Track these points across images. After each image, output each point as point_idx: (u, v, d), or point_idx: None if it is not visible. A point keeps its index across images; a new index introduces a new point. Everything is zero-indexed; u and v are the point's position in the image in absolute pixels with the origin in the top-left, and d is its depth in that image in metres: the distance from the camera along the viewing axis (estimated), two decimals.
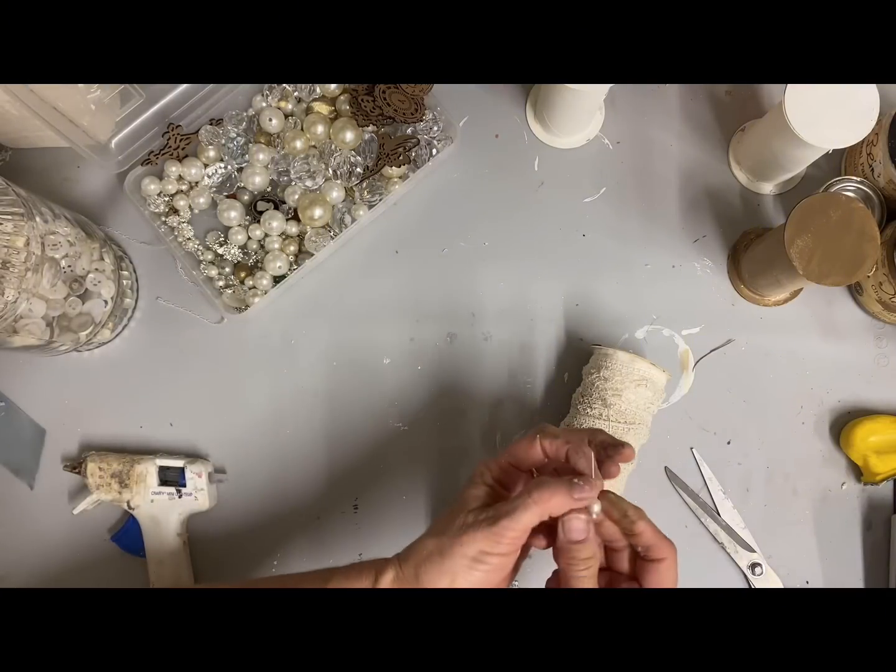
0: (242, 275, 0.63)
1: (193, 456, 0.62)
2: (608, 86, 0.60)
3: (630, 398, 0.57)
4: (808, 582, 0.62)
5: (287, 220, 0.63)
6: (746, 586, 0.62)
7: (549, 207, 0.66)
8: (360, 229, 0.64)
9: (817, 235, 0.54)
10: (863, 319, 0.65)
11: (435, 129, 0.64)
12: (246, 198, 0.64)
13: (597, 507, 0.39)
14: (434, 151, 0.64)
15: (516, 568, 0.42)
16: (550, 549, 0.41)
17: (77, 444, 0.62)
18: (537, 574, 0.45)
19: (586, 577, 0.38)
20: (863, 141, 0.59)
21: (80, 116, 0.56)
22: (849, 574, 0.62)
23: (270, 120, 0.63)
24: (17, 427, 0.62)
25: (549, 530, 0.41)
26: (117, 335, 0.63)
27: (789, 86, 0.55)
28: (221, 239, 0.63)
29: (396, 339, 0.64)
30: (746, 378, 0.64)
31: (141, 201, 0.63)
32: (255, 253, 0.63)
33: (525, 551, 0.42)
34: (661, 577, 0.39)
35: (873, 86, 0.55)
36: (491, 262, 0.65)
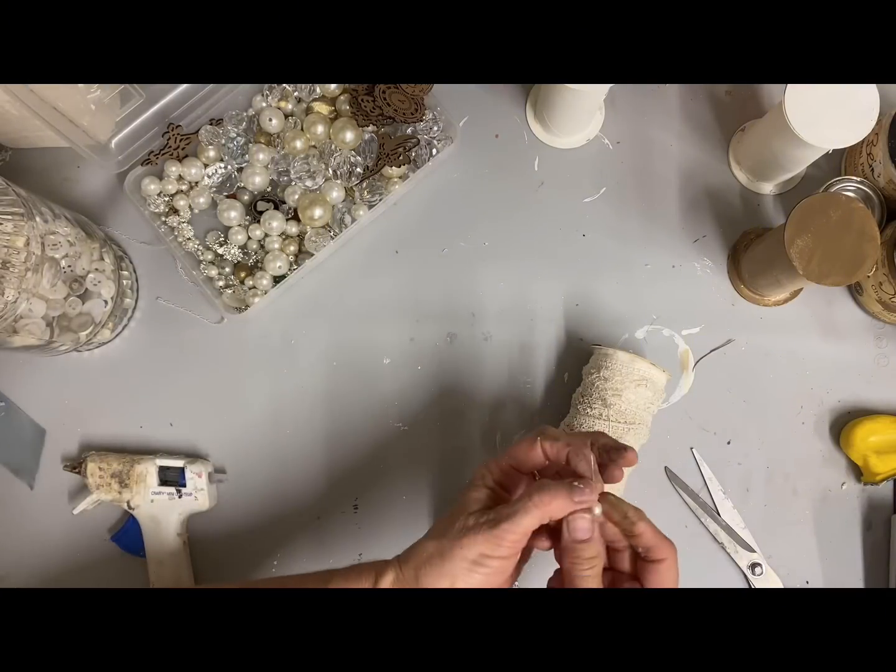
0: (242, 275, 0.63)
1: (193, 456, 0.62)
2: (608, 86, 0.60)
3: (630, 398, 0.57)
4: (808, 582, 0.62)
5: (287, 220, 0.63)
6: (746, 586, 0.62)
7: (549, 207, 0.66)
8: (360, 229, 0.64)
9: (817, 235, 0.54)
10: (863, 319, 0.65)
11: (435, 129, 0.64)
12: (246, 198, 0.64)
13: (597, 510, 0.39)
14: (434, 151, 0.64)
15: (517, 571, 0.42)
16: (551, 549, 0.41)
17: (77, 444, 0.62)
18: (538, 574, 0.45)
19: (590, 576, 0.38)
20: (863, 141, 0.59)
21: (80, 116, 0.56)
22: (849, 574, 0.62)
23: (270, 120, 0.63)
24: (17, 427, 0.62)
25: (551, 532, 0.41)
26: (117, 335, 0.63)
27: (789, 86, 0.55)
28: (221, 239, 0.63)
29: (396, 339, 0.64)
30: (746, 378, 0.64)
31: (141, 201, 0.63)
32: (255, 253, 0.63)
33: (526, 555, 0.42)
34: (661, 578, 0.39)
35: (873, 86, 0.55)
36: (491, 262, 0.65)
